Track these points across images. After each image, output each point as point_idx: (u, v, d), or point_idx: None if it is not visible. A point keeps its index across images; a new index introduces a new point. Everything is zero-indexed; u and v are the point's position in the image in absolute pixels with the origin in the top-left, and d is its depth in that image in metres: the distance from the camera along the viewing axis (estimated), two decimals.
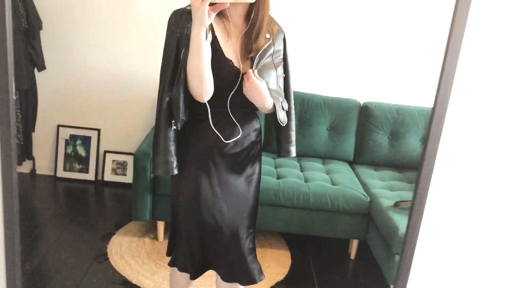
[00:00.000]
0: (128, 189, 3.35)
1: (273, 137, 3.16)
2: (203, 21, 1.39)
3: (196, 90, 1.52)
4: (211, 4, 1.37)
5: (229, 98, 1.60)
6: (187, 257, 1.77)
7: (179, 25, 1.56)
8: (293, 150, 1.78)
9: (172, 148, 1.60)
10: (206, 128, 1.60)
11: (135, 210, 2.73)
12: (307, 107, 3.21)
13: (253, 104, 1.64)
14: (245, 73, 1.58)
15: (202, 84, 1.50)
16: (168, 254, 1.90)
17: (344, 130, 3.23)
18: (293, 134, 1.78)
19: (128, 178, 3.49)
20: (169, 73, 1.56)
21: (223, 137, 1.62)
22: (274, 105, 1.64)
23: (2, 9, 1.08)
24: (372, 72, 3.33)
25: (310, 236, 2.86)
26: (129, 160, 3.47)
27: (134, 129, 3.49)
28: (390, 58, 3.29)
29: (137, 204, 2.72)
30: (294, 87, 3.34)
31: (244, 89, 1.58)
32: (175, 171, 1.63)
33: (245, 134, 1.68)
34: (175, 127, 1.60)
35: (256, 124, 1.74)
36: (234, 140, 1.66)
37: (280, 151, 1.80)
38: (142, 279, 2.42)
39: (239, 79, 1.58)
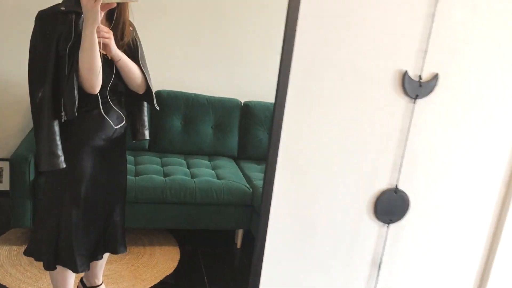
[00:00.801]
0: (5, 197, 3.16)
1: (160, 136, 3.28)
2: (96, 19, 1.54)
3: (90, 82, 1.65)
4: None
5: (108, 88, 1.76)
6: (72, 249, 1.83)
7: (56, 25, 1.64)
8: (147, 133, 2.05)
9: (59, 142, 1.68)
10: (96, 117, 1.76)
11: (14, 217, 2.61)
12: (192, 107, 3.32)
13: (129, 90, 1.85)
14: (118, 61, 1.74)
15: (96, 76, 1.64)
16: (29, 254, 1.92)
17: (228, 128, 3.39)
18: (146, 120, 2.04)
19: (5, 186, 3.29)
20: (50, 71, 1.63)
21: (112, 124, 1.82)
22: (146, 83, 1.84)
23: None
24: (250, 72, 3.53)
25: (199, 230, 2.97)
26: (5, 166, 3.28)
27: (9, 133, 3.31)
28: (265, 59, 3.53)
29: (16, 210, 2.60)
30: (178, 87, 3.44)
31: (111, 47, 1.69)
32: (63, 165, 1.70)
33: (119, 120, 1.88)
34: (64, 119, 1.67)
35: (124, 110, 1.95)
36: (122, 126, 1.88)
37: (137, 134, 2.03)
38: (24, 286, 2.34)
39: (114, 69, 1.76)
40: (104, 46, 1.64)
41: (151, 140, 3.26)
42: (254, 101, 3.45)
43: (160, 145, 3.29)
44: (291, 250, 1.24)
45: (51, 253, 1.87)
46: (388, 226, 1.32)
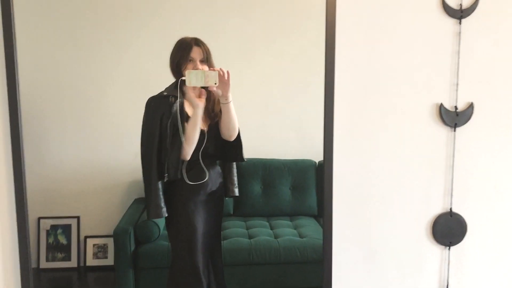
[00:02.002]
0: (110, 271, 3.49)
1: (243, 202, 3.49)
2: (200, 106, 2.07)
3: (188, 151, 2.08)
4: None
5: (200, 151, 2.17)
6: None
7: (160, 107, 2.13)
8: (236, 190, 2.44)
9: (162, 196, 2.11)
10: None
11: (119, 285, 2.89)
12: (269, 171, 3.53)
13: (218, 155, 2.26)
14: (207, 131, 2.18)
15: (192, 146, 2.09)
16: None
17: (305, 188, 3.54)
18: (235, 179, 2.41)
19: (110, 261, 3.64)
20: (155, 143, 2.10)
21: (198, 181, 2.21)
22: (238, 137, 2.27)
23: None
24: (321, 132, 3.70)
25: None
26: (109, 242, 3.64)
27: (111, 212, 3.70)
28: None
29: (121, 279, 2.89)
30: (255, 154, 3.70)
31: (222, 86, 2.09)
32: (166, 214, 2.12)
33: (214, 178, 2.27)
34: (166, 180, 2.10)
35: (220, 169, 2.39)
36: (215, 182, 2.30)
37: (228, 192, 2.39)
38: None
39: (205, 137, 2.19)
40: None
41: (235, 206, 3.49)
42: None
43: (243, 210, 3.50)
44: (357, 279, 1.33)
45: None
46: (449, 249, 1.38)
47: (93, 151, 3.66)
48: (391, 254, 1.35)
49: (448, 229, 1.36)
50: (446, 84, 1.32)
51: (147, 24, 3.59)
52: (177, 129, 2.05)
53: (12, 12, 1.47)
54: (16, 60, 1.53)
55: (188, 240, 2.21)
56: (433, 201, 1.35)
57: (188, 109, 2.17)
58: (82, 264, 3.68)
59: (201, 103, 2.04)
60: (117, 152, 3.66)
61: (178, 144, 2.06)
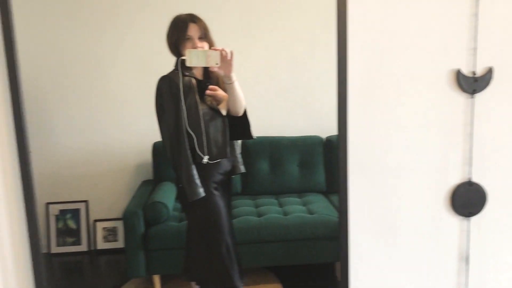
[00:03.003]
0: (121, 254, 3.50)
1: (251, 180, 3.47)
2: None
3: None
4: None
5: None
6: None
7: (172, 85, 2.06)
8: (242, 167, 2.38)
9: (198, 175, 2.09)
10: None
11: (130, 267, 2.89)
12: (277, 149, 3.50)
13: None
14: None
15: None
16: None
17: (313, 164, 3.51)
18: (240, 156, 2.35)
19: (120, 243, 3.65)
20: (182, 123, 2.06)
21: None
22: (245, 114, 2.21)
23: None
24: (328, 107, 3.66)
25: (298, 267, 3.05)
26: (119, 225, 3.65)
27: (119, 195, 3.70)
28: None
29: (131, 261, 2.88)
30: (262, 133, 3.67)
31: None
32: (203, 193, 2.08)
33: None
34: (206, 160, 2.09)
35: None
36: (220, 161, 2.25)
37: (235, 169, 2.33)
38: None
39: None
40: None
41: (243, 184, 3.46)
42: (336, 135, 3.54)
43: (251, 188, 3.48)
44: (376, 253, 1.30)
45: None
46: (469, 219, 1.35)
47: (99, 134, 3.64)
48: (409, 226, 1.32)
49: (468, 199, 1.32)
50: (463, 48, 1.26)
51: (149, 3, 3.52)
52: (215, 112, 2.08)
53: None
54: (15, 45, 1.49)
55: (216, 221, 2.20)
56: (451, 170, 1.31)
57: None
58: (92, 247, 3.71)
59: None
60: (123, 134, 3.64)
61: (222, 123, 2.08)
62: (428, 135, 1.29)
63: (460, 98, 1.29)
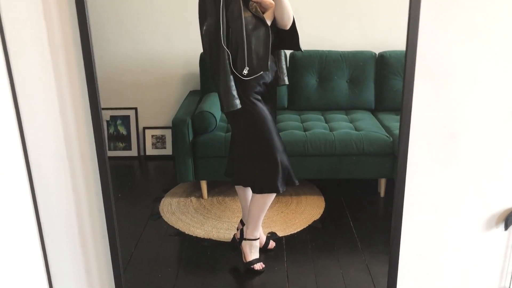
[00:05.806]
0: (169, 160, 3.64)
1: (297, 95, 3.44)
2: None
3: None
4: None
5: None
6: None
7: None
8: (286, 79, 2.41)
9: (235, 86, 2.09)
10: None
11: (179, 173, 3.02)
12: (326, 63, 3.41)
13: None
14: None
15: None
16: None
17: (363, 81, 3.42)
18: (285, 67, 2.37)
19: (168, 151, 3.78)
20: (220, 33, 2.01)
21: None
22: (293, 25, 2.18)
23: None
24: (382, 22, 3.48)
25: (341, 181, 3.10)
26: (167, 133, 3.76)
27: (168, 104, 3.77)
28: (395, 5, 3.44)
29: (180, 167, 3.01)
30: (311, 46, 3.56)
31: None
32: (239, 105, 2.11)
33: (271, 67, 2.25)
34: (246, 73, 2.07)
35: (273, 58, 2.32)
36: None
37: (279, 81, 2.35)
38: (193, 229, 2.73)
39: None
40: None
41: (289, 99, 3.44)
42: (389, 51, 3.40)
43: (298, 103, 3.46)
44: (435, 162, 1.28)
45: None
46: None
47: (148, 43, 3.63)
48: (472, 137, 1.27)
49: None
50: None
51: None
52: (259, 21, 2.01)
53: None
54: None
55: (267, 131, 2.25)
56: None
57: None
58: (142, 153, 3.86)
59: None
60: (171, 44, 3.61)
61: (265, 34, 2.03)
62: (499, 43, 1.20)
63: None
